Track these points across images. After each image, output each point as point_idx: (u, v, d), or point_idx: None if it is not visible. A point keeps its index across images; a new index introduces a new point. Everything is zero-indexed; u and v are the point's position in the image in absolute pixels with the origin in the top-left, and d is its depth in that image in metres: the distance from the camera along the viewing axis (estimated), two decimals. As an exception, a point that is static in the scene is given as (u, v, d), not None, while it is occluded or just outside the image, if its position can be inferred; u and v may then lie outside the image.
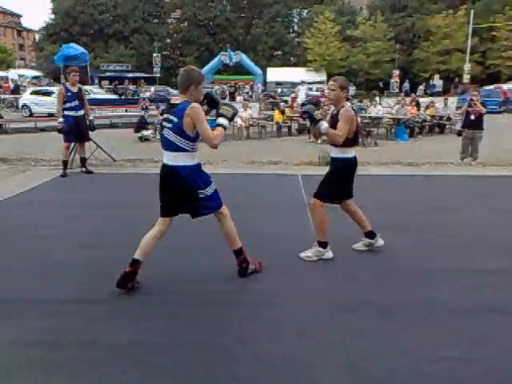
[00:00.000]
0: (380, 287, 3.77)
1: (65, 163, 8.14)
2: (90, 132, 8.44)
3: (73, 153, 8.56)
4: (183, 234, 4.48)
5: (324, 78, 41.35)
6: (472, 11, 37.70)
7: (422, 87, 34.33)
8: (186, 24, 51.70)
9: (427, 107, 18.66)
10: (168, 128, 3.49)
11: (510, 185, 7.62)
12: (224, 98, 24.79)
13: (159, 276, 3.93)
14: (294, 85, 36.73)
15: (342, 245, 4.45)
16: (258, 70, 37.11)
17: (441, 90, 36.66)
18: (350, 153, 4.18)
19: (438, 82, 38.83)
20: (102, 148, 9.31)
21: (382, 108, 18.55)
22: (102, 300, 3.53)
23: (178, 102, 3.57)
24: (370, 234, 4.45)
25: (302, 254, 4.33)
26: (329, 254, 4.30)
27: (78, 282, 3.84)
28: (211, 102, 3.69)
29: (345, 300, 3.56)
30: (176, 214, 3.67)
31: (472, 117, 10.07)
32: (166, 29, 52.11)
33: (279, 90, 36.26)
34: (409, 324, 3.19)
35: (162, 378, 2.65)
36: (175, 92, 32.48)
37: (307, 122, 3.79)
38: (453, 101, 21.13)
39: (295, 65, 47.70)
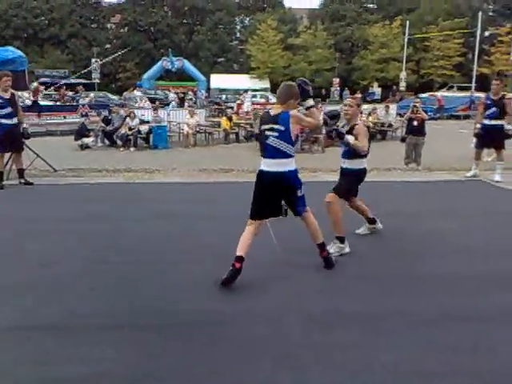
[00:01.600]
0: (351, 296, 3.68)
1: (0, 174, 7.57)
2: (24, 140, 7.94)
3: (9, 163, 7.99)
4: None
5: (267, 85, 41.67)
6: (408, 22, 39.44)
7: (358, 95, 34.97)
8: (126, 29, 50.51)
9: (369, 114, 19.10)
10: (274, 137, 3.83)
11: (460, 188, 7.83)
12: (168, 104, 24.30)
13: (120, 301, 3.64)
14: (237, 91, 36.76)
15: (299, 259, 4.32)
16: (202, 77, 36.74)
17: (379, 97, 37.85)
18: (362, 164, 4.64)
19: (376, 89, 40.12)
20: (41, 157, 8.76)
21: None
22: (52, 326, 3.20)
23: (275, 112, 3.93)
24: (372, 221, 5.07)
25: None
26: (347, 248, 4.51)
27: (30, 307, 3.47)
28: (302, 92, 3.98)
29: (319, 313, 3.41)
30: (272, 216, 3.98)
31: (415, 123, 10.37)
32: (105, 34, 50.64)
33: (223, 97, 36.13)
34: (386, 335, 3.10)
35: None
36: (115, 98, 31.47)
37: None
38: (393, 107, 21.81)
39: (239, 72, 47.77)
